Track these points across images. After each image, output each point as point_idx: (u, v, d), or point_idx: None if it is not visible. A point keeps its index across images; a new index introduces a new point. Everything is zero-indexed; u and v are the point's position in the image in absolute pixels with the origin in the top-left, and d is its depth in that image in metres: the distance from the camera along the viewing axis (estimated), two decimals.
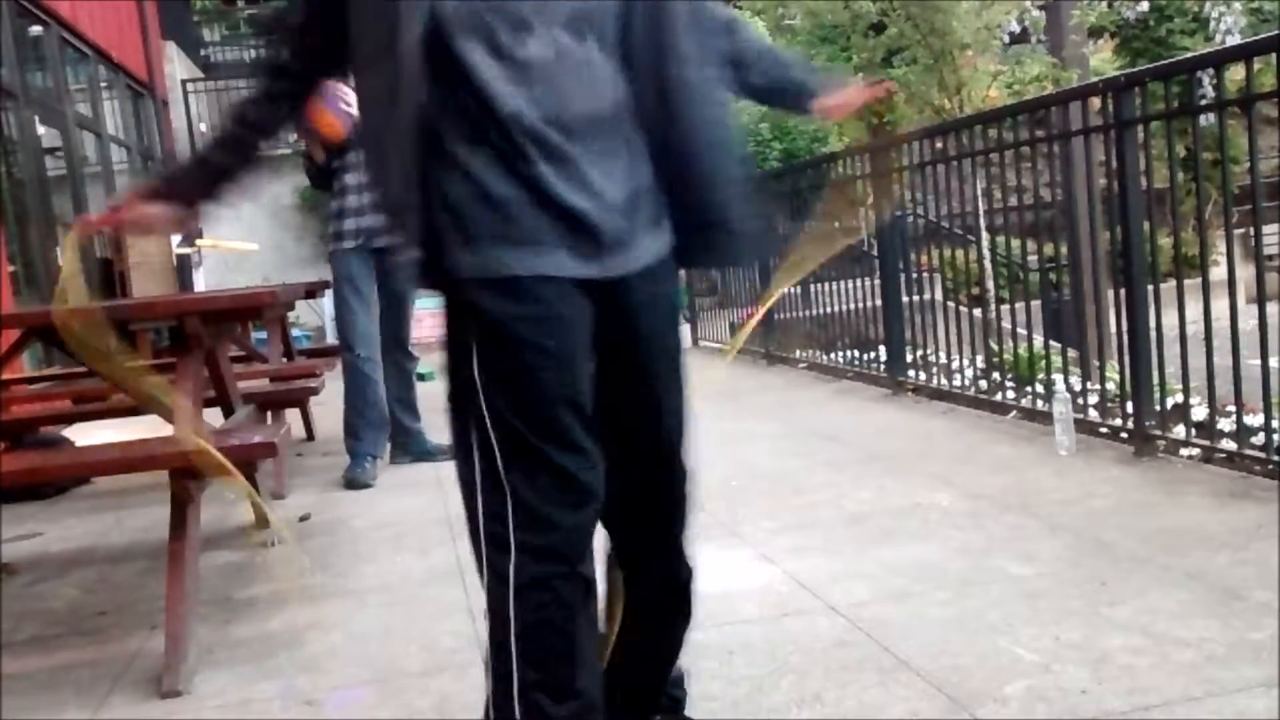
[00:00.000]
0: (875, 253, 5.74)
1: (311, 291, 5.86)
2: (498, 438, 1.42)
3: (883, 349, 5.56)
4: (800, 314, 6.73)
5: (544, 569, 1.42)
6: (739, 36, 1.79)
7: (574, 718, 1.47)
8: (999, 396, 4.50)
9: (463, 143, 1.44)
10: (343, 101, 3.89)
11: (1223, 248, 4.63)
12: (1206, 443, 3.40)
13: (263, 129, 1.66)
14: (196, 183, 1.68)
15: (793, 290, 6.73)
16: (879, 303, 5.57)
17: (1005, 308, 5.88)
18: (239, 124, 1.66)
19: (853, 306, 5.99)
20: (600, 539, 1.53)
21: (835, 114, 1.90)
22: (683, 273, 1.72)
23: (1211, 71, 3.36)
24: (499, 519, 1.42)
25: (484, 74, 1.41)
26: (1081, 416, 3.88)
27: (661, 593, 1.63)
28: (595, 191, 1.46)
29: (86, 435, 4.16)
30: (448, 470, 4.87)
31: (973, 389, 4.77)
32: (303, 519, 3.67)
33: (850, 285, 6.01)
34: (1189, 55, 3.68)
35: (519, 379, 1.42)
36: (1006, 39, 8.20)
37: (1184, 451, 3.48)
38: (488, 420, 1.42)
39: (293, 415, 5.10)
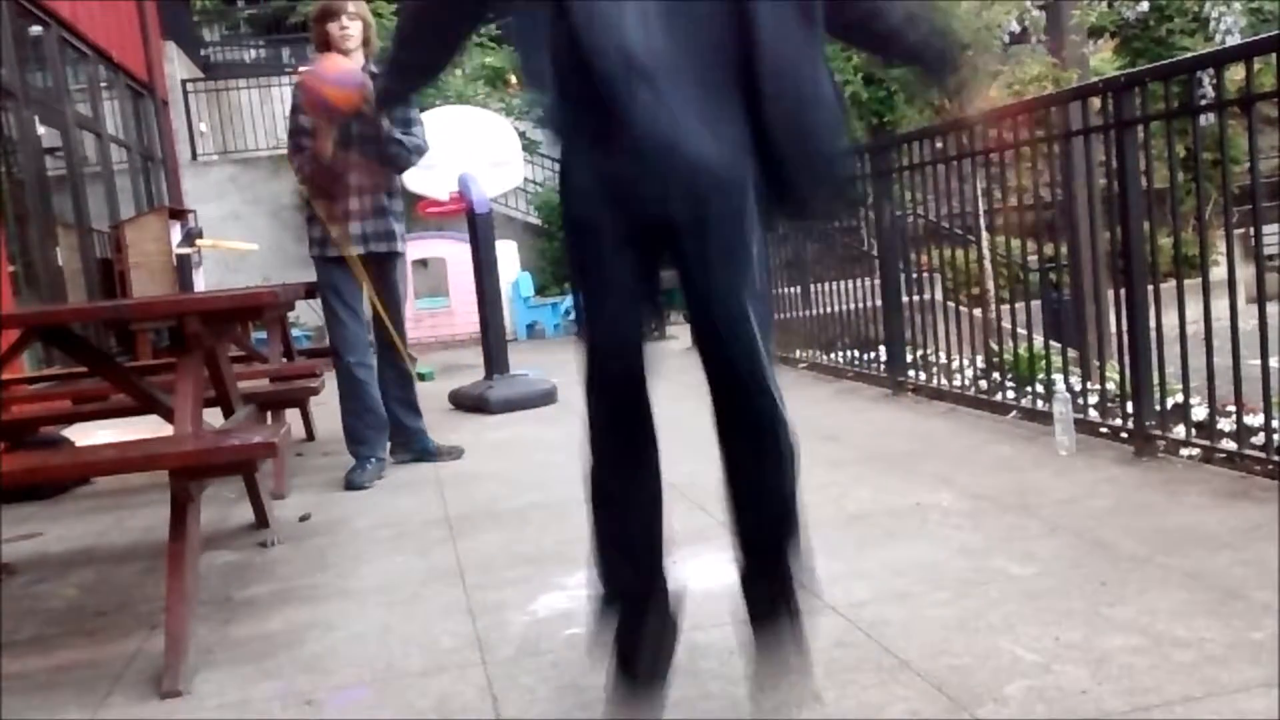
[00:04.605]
0: (875, 253, 5.74)
1: (311, 291, 5.83)
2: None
3: (883, 349, 5.56)
4: (800, 314, 6.72)
5: (591, 365, 1.83)
6: None
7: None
8: (999, 396, 4.50)
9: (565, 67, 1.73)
10: (336, 74, 3.85)
11: (1223, 248, 4.62)
12: (1206, 443, 3.40)
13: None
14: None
15: (792, 290, 6.73)
16: (879, 303, 5.57)
17: (1005, 308, 5.88)
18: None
19: (853, 306, 5.99)
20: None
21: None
22: None
23: (1211, 71, 3.36)
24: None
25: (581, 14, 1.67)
26: (1081, 416, 3.88)
27: (728, 426, 1.89)
28: (657, 114, 1.68)
29: (86, 435, 4.16)
30: (448, 470, 4.85)
31: (973, 389, 4.77)
32: (303, 519, 3.67)
33: (850, 285, 6.01)
34: (1189, 55, 3.68)
35: (568, 231, 1.87)
36: (1006, 39, 8.21)
37: (1184, 451, 3.48)
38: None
39: (293, 415, 5.10)
